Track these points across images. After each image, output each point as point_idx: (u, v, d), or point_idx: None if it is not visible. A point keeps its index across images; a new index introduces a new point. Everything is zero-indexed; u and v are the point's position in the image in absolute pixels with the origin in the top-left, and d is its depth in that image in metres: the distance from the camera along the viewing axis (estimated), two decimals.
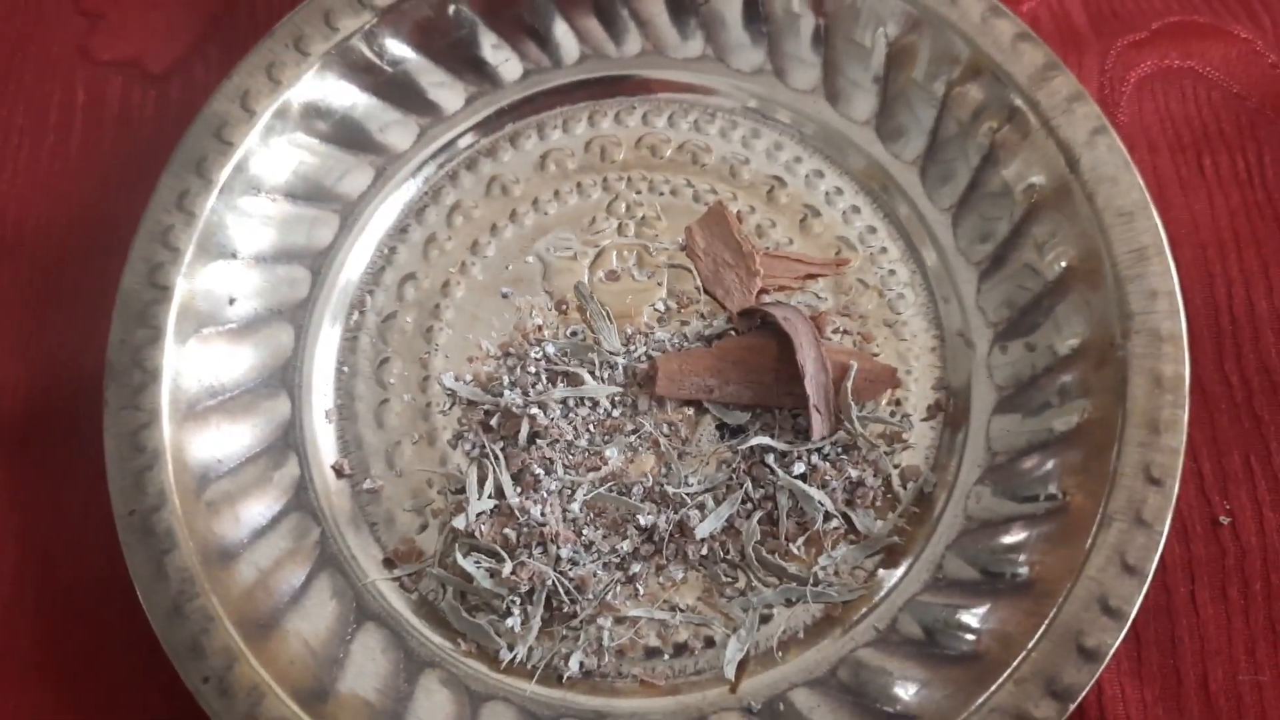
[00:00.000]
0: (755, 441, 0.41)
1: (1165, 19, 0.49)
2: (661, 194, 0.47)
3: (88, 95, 0.49)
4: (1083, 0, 0.50)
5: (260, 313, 0.43)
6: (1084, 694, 0.35)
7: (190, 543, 0.38)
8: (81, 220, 0.46)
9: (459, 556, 0.40)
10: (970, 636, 0.37)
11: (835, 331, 0.44)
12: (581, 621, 0.40)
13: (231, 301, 0.42)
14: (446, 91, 0.47)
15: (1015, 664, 0.36)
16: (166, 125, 0.47)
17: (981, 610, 0.37)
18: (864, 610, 0.39)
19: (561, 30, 0.48)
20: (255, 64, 0.44)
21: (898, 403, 0.43)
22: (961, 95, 0.44)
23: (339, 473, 0.42)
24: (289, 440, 0.42)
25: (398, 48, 0.46)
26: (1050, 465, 0.39)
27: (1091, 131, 0.42)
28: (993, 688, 0.35)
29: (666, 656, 0.39)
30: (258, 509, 0.40)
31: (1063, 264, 0.41)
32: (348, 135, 0.45)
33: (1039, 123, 0.42)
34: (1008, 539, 0.39)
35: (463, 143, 0.47)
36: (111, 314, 0.41)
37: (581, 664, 0.39)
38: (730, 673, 0.39)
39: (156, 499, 0.39)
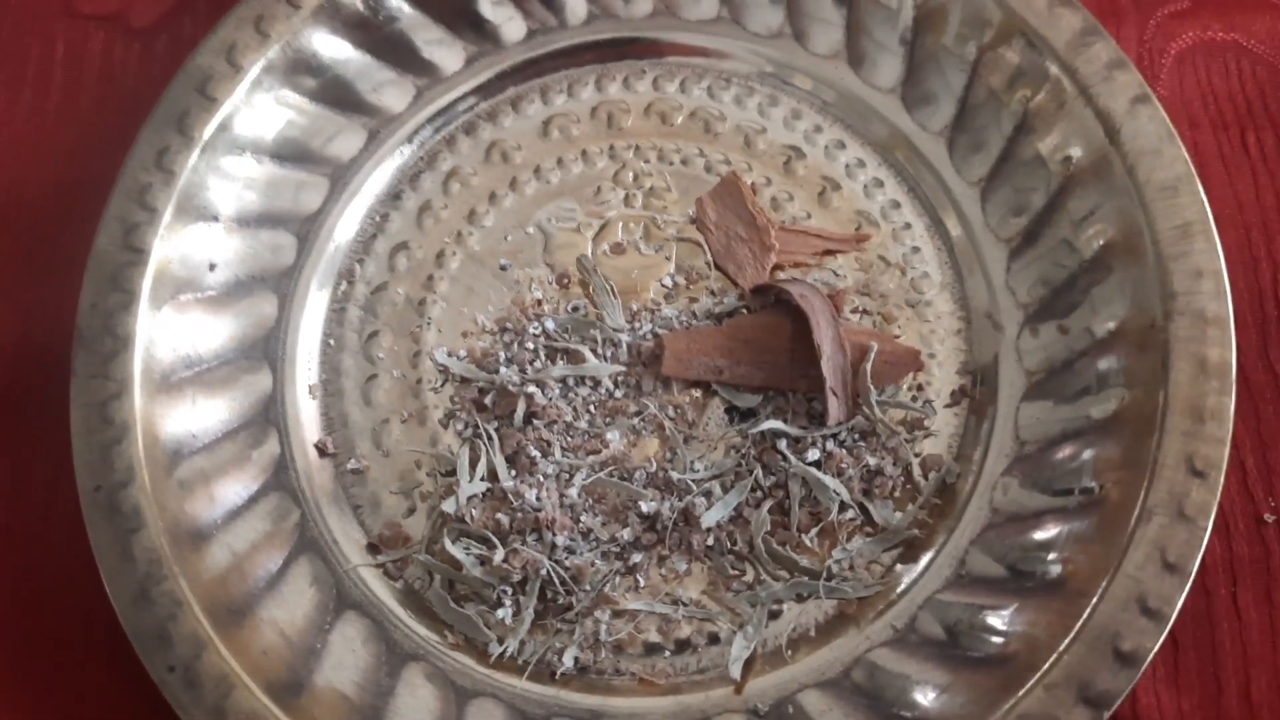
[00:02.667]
0: (767, 426, 0.38)
1: None
2: (671, 163, 0.44)
3: (67, 49, 0.46)
4: None
5: (242, 280, 0.41)
6: (1119, 701, 0.32)
7: (159, 522, 0.36)
8: (57, 180, 0.44)
9: (448, 542, 0.37)
10: (996, 638, 0.34)
11: (854, 311, 0.41)
12: (577, 614, 0.37)
13: (212, 267, 0.40)
14: (444, 51, 0.44)
15: (1045, 668, 0.33)
16: (150, 83, 0.45)
17: (1008, 610, 0.35)
18: (880, 607, 0.37)
19: None
20: (243, 16, 0.41)
21: (920, 387, 0.40)
22: (994, 60, 0.41)
23: (322, 451, 0.40)
24: (269, 416, 0.40)
25: (393, 1, 0.43)
26: (1086, 455, 0.36)
27: (1132, 100, 0.39)
28: (1020, 693, 0.33)
29: (667, 653, 0.37)
30: (234, 488, 0.38)
31: (1101, 241, 0.39)
32: (339, 94, 0.43)
33: (1077, 91, 0.40)
34: (1038, 534, 0.36)
35: (461, 106, 0.45)
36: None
37: (576, 659, 0.37)
38: (736, 672, 0.36)
39: (124, 474, 0.36)
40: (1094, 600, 0.33)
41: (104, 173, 0.42)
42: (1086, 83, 0.39)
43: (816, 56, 0.44)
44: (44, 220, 0.43)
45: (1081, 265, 0.39)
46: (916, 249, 0.42)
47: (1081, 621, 0.33)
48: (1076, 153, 0.40)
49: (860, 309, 0.41)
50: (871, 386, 0.38)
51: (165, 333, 0.38)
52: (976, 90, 0.42)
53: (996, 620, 0.35)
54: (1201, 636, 0.37)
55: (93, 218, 0.40)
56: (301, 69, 0.42)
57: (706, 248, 0.42)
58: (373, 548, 0.39)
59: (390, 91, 0.44)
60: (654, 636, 0.37)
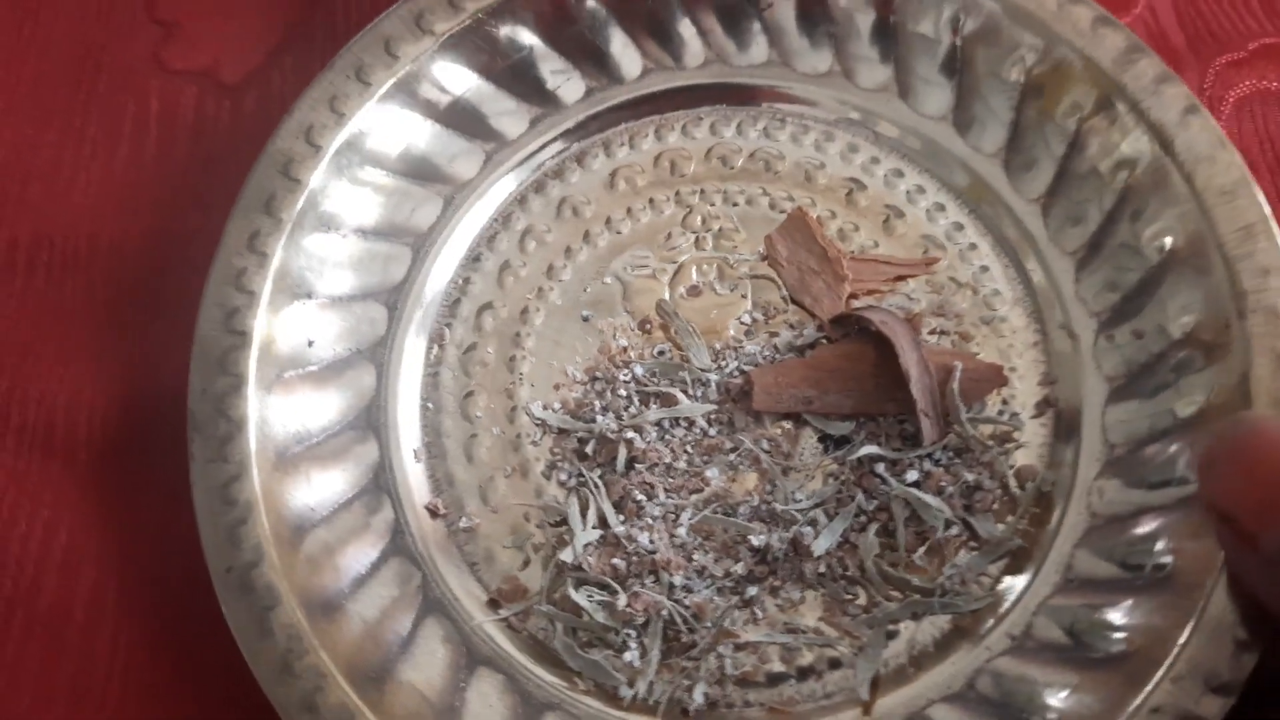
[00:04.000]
0: (865, 451, 0.39)
1: (1262, 40, 0.48)
2: (736, 204, 0.45)
3: (162, 105, 0.47)
4: (1179, 19, 0.49)
5: (340, 354, 0.42)
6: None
7: (293, 597, 0.37)
8: (156, 233, 0.45)
9: (571, 590, 0.38)
10: (1116, 635, 0.35)
11: (932, 333, 0.42)
12: (701, 651, 0.38)
13: (310, 344, 0.41)
14: (510, 116, 0.46)
15: (1169, 662, 0.34)
16: (241, 137, 0.46)
17: (1125, 607, 0.36)
18: (995, 618, 0.38)
19: (620, 46, 0.46)
20: (317, 97, 0.43)
21: (1004, 402, 0.41)
22: (1043, 82, 0.43)
23: (434, 513, 0.41)
24: (380, 483, 0.41)
25: (459, 73, 0.44)
26: (1174, 451, 0.38)
27: (1183, 111, 0.41)
28: (1147, 688, 0.34)
29: (793, 681, 0.38)
30: (357, 557, 0.39)
31: (1165, 247, 0.40)
32: (415, 166, 0.44)
33: (1127, 106, 0.41)
34: (1140, 531, 0.37)
35: (529, 166, 0.46)
36: (192, 326, 0.40)
37: (706, 695, 0.38)
38: (864, 693, 0.37)
39: (253, 554, 0.37)
40: (1206, 591, 0.35)
41: (201, 225, 0.44)
42: (1136, 98, 0.41)
43: (866, 91, 0.46)
44: (145, 272, 0.45)
45: (1148, 273, 0.40)
46: (985, 268, 0.43)
47: (1198, 613, 0.35)
48: (1132, 166, 0.41)
49: (937, 330, 0.42)
50: (960, 405, 0.40)
51: (275, 411, 0.39)
52: (1027, 112, 0.43)
53: (1114, 618, 0.36)
54: None
55: (190, 268, 0.42)
56: (377, 145, 0.43)
57: (781, 283, 0.44)
58: (493, 603, 0.40)
59: (462, 159, 0.45)
60: (777, 666, 0.38)
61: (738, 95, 0.47)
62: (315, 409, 0.40)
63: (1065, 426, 0.41)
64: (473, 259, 0.45)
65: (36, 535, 0.41)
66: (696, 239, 0.45)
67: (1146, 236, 0.41)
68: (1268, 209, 0.39)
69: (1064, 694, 0.35)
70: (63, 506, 0.41)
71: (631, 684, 0.38)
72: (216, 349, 0.39)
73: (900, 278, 0.43)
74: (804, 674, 0.38)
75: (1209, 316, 0.39)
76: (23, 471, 0.42)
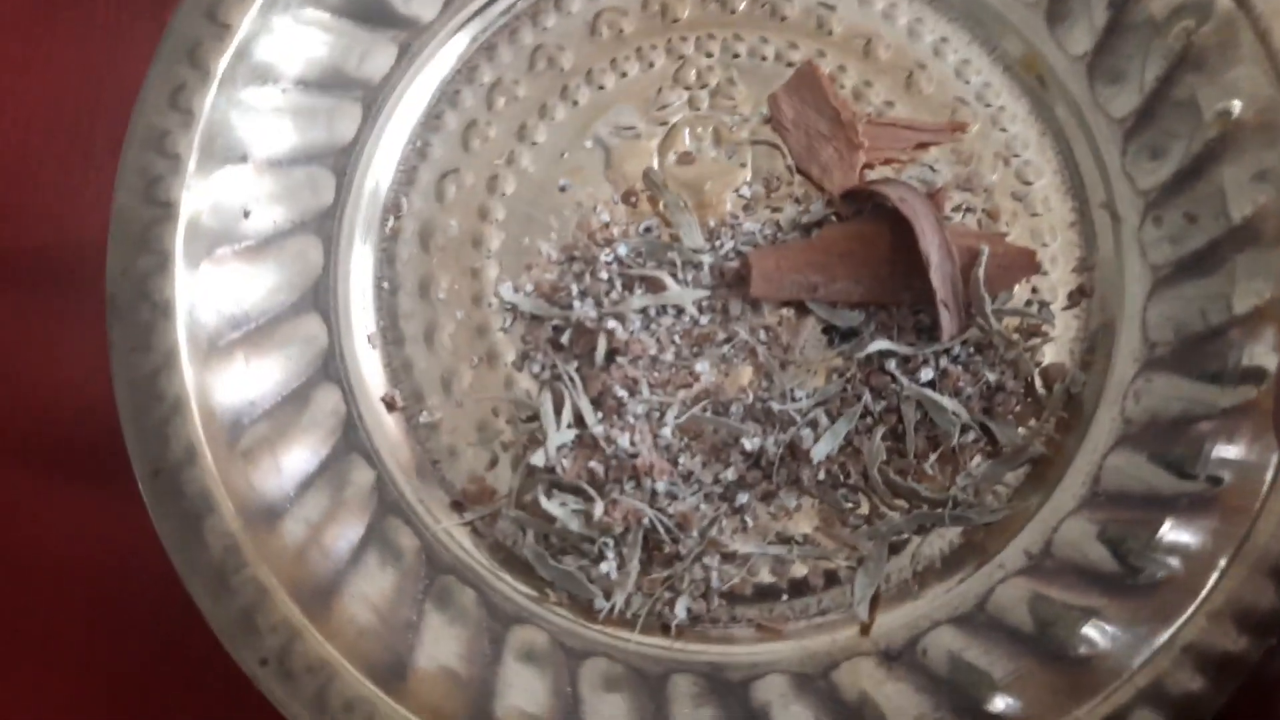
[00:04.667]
0: (876, 347, 0.35)
1: None
2: (737, 55, 0.39)
3: None
4: None
5: (281, 225, 0.37)
6: None
7: (229, 503, 0.33)
8: None
9: (542, 498, 0.34)
10: (1153, 556, 0.32)
11: (956, 210, 0.37)
12: (685, 563, 0.34)
13: (246, 214, 0.36)
14: None
15: (1205, 593, 0.31)
16: None
17: (1160, 526, 0.32)
18: (1011, 533, 0.34)
19: None
20: None
21: (1034, 290, 0.37)
22: None
23: (390, 406, 0.37)
24: (329, 372, 0.36)
25: None
26: (1233, 353, 0.33)
27: None
28: (1181, 620, 0.31)
29: (784, 597, 0.35)
30: (302, 455, 0.35)
31: (1230, 115, 0.35)
32: (363, 6, 0.38)
33: None
34: (1184, 438, 0.33)
35: (498, 7, 0.40)
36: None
37: (689, 610, 0.34)
38: (862, 612, 0.34)
39: (184, 454, 0.33)
40: (1253, 516, 0.31)
41: None
42: None
43: None
44: None
45: (1208, 144, 0.35)
46: (1018, 135, 0.38)
47: (1239, 541, 0.31)
48: (1197, 16, 0.35)
49: (963, 206, 0.37)
50: (985, 295, 0.35)
51: (206, 293, 0.35)
52: None
53: (1147, 537, 0.32)
54: None
55: None
56: None
57: (786, 150, 0.38)
58: (457, 505, 0.36)
59: None
60: (768, 579, 0.35)
61: None
62: (252, 288, 0.36)
63: (1101, 320, 0.36)
64: (433, 117, 0.39)
65: (33, 548, 0.39)
66: (690, 97, 0.39)
67: (1208, 101, 0.35)
68: None
69: (1085, 619, 0.32)
70: (55, 519, 0.39)
71: (608, 596, 0.34)
72: (137, 223, 0.35)
73: (922, 145, 0.38)
74: (797, 589, 0.35)
75: (1276, 198, 0.34)
76: (40, 484, 0.40)
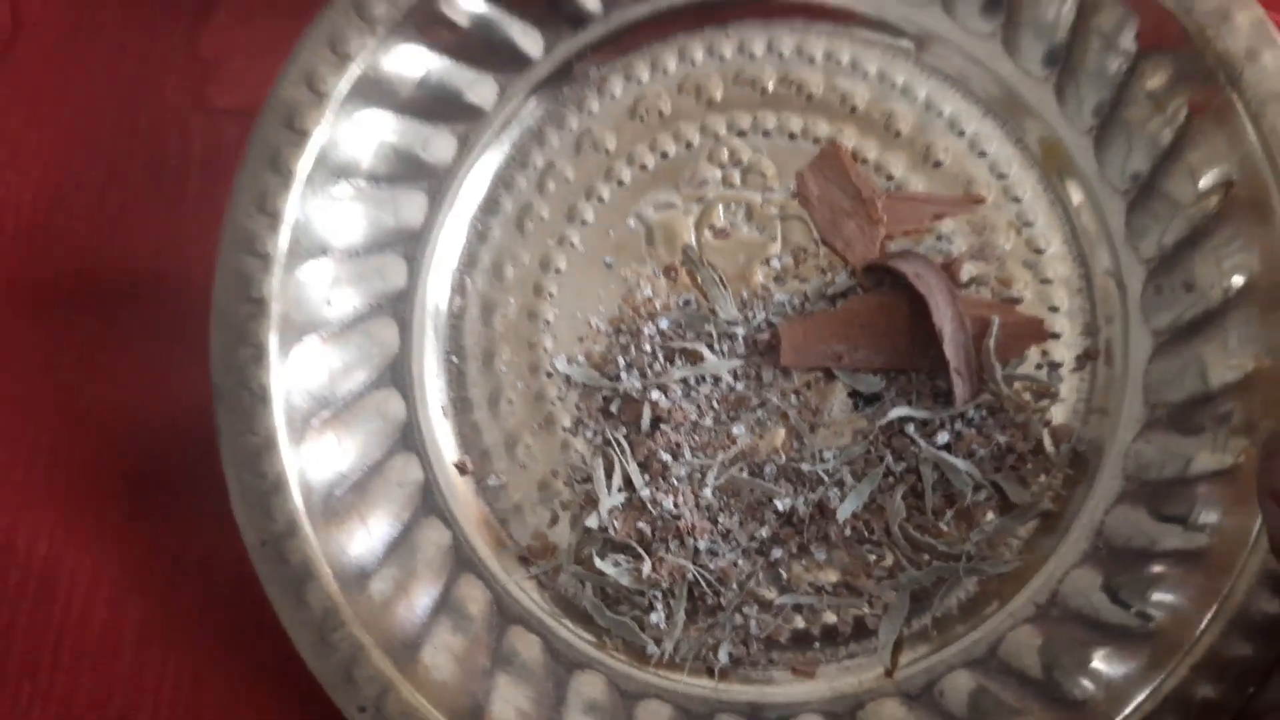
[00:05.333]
0: (896, 414, 0.39)
1: None
2: (767, 134, 0.43)
3: (204, 143, 0.46)
4: None
5: (360, 310, 0.41)
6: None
7: (326, 569, 0.37)
8: (200, 268, 0.44)
9: (596, 559, 0.39)
10: (1144, 610, 0.35)
11: (970, 281, 0.40)
12: (727, 612, 0.39)
13: (329, 303, 0.40)
14: (527, 38, 0.43)
15: (1189, 644, 0.34)
16: None
17: (1156, 580, 0.35)
18: (1021, 584, 0.38)
19: None
20: (317, 39, 0.40)
21: (1044, 352, 0.40)
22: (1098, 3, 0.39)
23: (462, 470, 0.41)
24: (408, 442, 0.41)
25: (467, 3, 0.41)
26: (1223, 412, 0.36)
27: (1254, 42, 0.37)
28: (1169, 666, 0.34)
29: (816, 643, 0.39)
30: (388, 520, 0.39)
31: (1223, 192, 0.37)
32: (425, 104, 0.42)
33: (1194, 30, 0.37)
34: (1179, 498, 0.36)
35: (547, 94, 0.43)
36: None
37: (731, 654, 0.39)
38: (886, 657, 0.38)
39: (286, 526, 0.38)
40: (1235, 573, 0.34)
41: None
42: (1202, 23, 0.37)
43: (906, 3, 0.42)
44: (186, 309, 0.43)
45: (1205, 217, 0.38)
46: (1029, 206, 0.41)
47: (1222, 597, 0.34)
48: (1194, 97, 0.38)
49: (976, 279, 0.40)
50: (996, 363, 0.38)
51: (298, 378, 0.39)
52: (1081, 33, 0.40)
53: (1144, 593, 0.35)
54: None
55: None
56: (385, 84, 0.41)
57: (812, 224, 0.42)
58: (523, 560, 0.40)
59: (475, 92, 0.43)
60: (801, 626, 0.39)
61: (767, 8, 0.43)
62: (338, 370, 0.40)
63: (1106, 382, 0.39)
64: (491, 202, 0.43)
65: (86, 568, 0.41)
66: (724, 174, 0.43)
67: (1205, 176, 0.38)
68: None
69: (1087, 665, 0.35)
70: (111, 538, 0.42)
71: (658, 643, 0.39)
72: (234, 318, 0.39)
73: (939, 216, 0.41)
74: (827, 635, 0.39)
75: (1266, 273, 0.36)
76: (72, 505, 0.42)
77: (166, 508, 0.42)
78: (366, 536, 0.39)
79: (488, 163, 0.43)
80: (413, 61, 0.41)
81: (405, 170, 0.42)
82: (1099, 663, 0.35)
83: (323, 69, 0.40)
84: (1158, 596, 0.35)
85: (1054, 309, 0.40)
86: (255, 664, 0.40)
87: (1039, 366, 0.40)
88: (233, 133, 0.46)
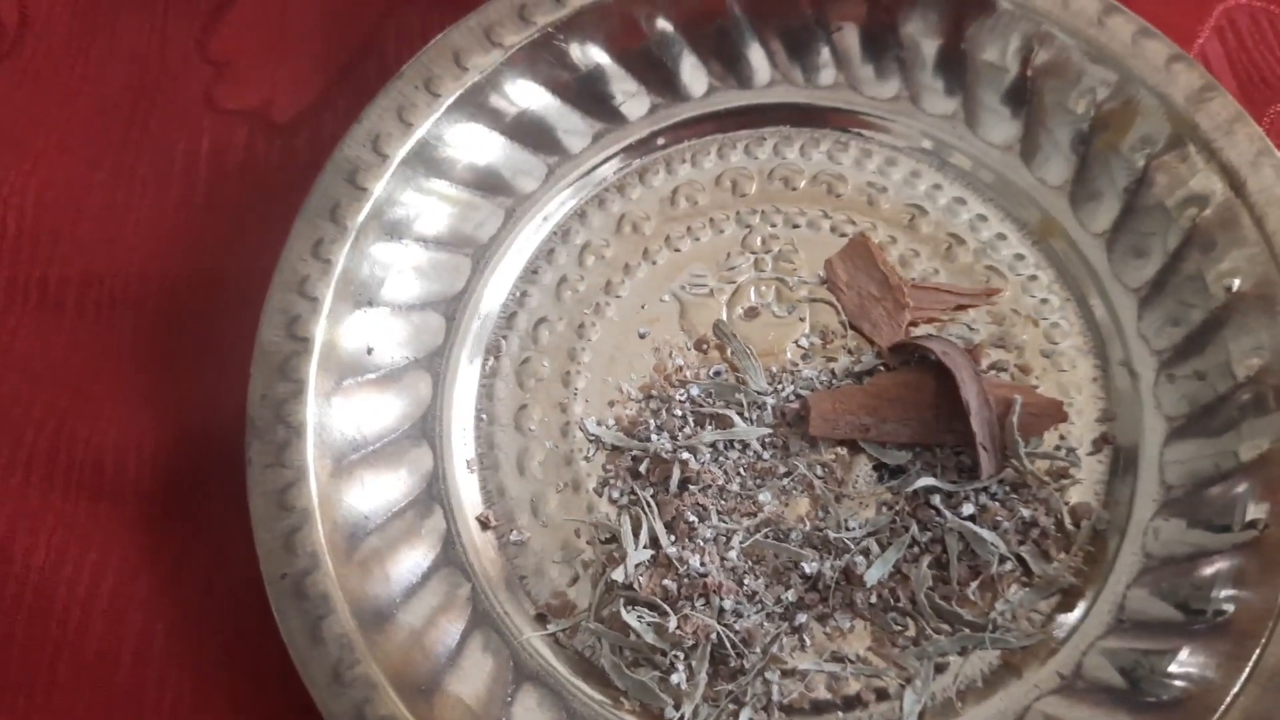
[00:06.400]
0: (922, 484, 0.39)
1: None
2: (797, 226, 0.45)
3: (213, 144, 0.47)
4: (1232, 66, 0.48)
5: (398, 361, 0.42)
6: None
7: (345, 606, 0.37)
8: (206, 271, 0.45)
9: (623, 611, 0.38)
10: (1169, 681, 0.35)
11: (991, 367, 0.42)
12: (748, 676, 0.38)
13: (370, 351, 0.41)
14: (575, 130, 0.46)
15: (1221, 710, 0.34)
16: (292, 176, 0.46)
17: (1178, 651, 0.36)
18: (1044, 656, 0.38)
19: (688, 66, 0.46)
20: (385, 106, 0.43)
21: (1062, 437, 0.41)
22: (1110, 115, 0.42)
23: (485, 524, 0.41)
24: (433, 492, 0.41)
25: (527, 88, 0.45)
26: (1238, 493, 0.37)
27: (1256, 153, 0.40)
28: None
29: (839, 712, 0.38)
30: (408, 565, 0.39)
31: (1232, 288, 0.40)
32: (479, 178, 0.44)
33: (1198, 145, 0.41)
34: (1197, 576, 0.37)
35: (591, 181, 0.46)
36: (245, 367, 0.40)
37: (751, 719, 0.38)
38: None
39: (309, 561, 0.37)
40: (1262, 641, 0.34)
41: (252, 264, 0.43)
42: (1209, 136, 0.41)
43: (932, 117, 0.46)
44: (196, 310, 0.45)
45: (1214, 312, 0.40)
46: (1046, 300, 0.43)
47: (1252, 663, 0.34)
48: (1202, 205, 0.41)
49: (997, 364, 0.42)
50: (1019, 439, 0.40)
51: (334, 418, 0.40)
52: (1094, 146, 0.43)
53: (1166, 662, 0.35)
54: None
55: (242, 307, 0.42)
56: (445, 155, 0.43)
57: (840, 308, 0.44)
58: (541, 617, 0.40)
59: (526, 173, 0.45)
60: (824, 694, 0.38)
61: (802, 116, 0.47)
62: (373, 416, 0.41)
63: (1122, 465, 0.40)
64: (531, 272, 0.45)
65: (84, 579, 0.40)
66: (756, 260, 0.45)
67: (1213, 276, 0.40)
68: None
69: None
70: (110, 550, 0.41)
71: (677, 706, 0.38)
72: (277, 354, 0.40)
73: (961, 307, 0.43)
74: (850, 704, 0.38)
75: (1276, 360, 0.38)
76: (70, 513, 0.41)
77: (166, 520, 0.41)
78: (386, 581, 0.38)
79: (530, 236, 0.45)
80: (471, 139, 0.44)
81: (454, 237, 0.44)
82: None
83: (387, 133, 0.43)
84: (1185, 663, 0.35)
85: (1071, 398, 0.42)
86: (255, 681, 0.38)
87: (1057, 448, 0.41)
88: (240, 133, 0.47)
